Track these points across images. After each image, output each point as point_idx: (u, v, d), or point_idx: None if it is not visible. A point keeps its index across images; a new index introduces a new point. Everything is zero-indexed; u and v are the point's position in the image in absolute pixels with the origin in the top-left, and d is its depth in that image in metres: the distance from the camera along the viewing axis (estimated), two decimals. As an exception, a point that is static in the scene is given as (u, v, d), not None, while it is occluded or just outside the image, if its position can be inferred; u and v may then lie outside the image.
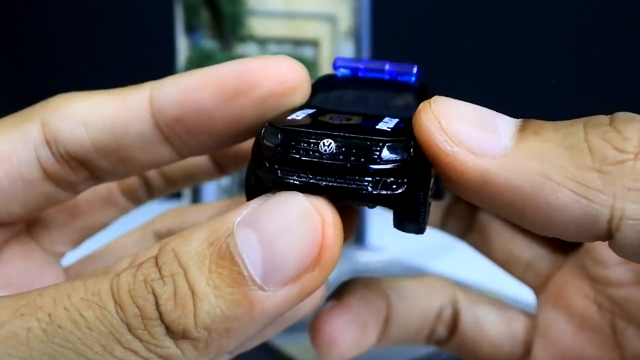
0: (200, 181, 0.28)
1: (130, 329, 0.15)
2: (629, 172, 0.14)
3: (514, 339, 0.26)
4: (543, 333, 0.25)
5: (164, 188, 0.27)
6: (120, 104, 0.20)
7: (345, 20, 0.64)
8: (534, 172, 0.15)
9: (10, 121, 0.20)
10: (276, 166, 0.17)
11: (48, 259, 0.25)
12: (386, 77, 0.21)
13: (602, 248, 0.23)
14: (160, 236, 0.28)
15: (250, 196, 0.18)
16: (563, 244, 0.25)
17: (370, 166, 0.17)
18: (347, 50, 0.65)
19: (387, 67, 0.21)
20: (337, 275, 0.69)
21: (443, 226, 0.28)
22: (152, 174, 0.27)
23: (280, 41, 0.63)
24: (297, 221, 0.16)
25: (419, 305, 0.26)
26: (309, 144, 0.17)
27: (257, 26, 0.61)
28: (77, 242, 0.26)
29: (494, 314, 0.26)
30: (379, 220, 0.62)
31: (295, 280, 0.16)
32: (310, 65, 0.63)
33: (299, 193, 0.16)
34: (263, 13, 0.61)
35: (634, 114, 0.16)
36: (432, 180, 0.18)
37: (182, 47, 0.59)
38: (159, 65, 0.64)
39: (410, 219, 0.18)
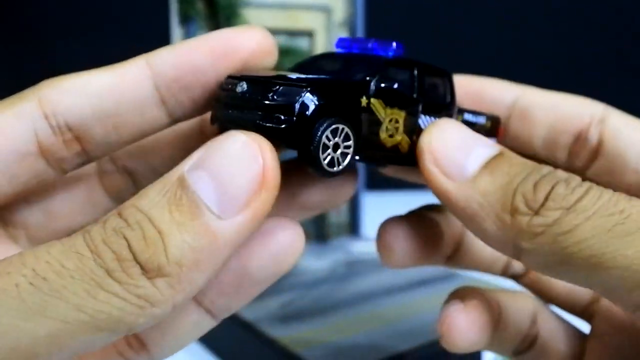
0: None
1: (109, 272, 0.16)
2: (526, 223, 0.20)
3: (573, 349, 0.30)
4: (597, 346, 0.29)
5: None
6: (119, 72, 0.22)
7: (340, 11, 0.65)
8: (476, 203, 0.21)
9: (4, 103, 0.22)
10: (217, 105, 0.22)
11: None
12: (373, 52, 0.26)
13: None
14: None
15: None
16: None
17: (264, 102, 0.20)
18: (341, 41, 0.65)
19: (370, 44, 0.26)
20: (332, 265, 0.69)
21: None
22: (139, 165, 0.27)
23: (275, 32, 0.63)
24: (239, 152, 0.18)
25: (520, 315, 0.29)
26: (232, 85, 0.22)
27: (252, 17, 0.61)
28: None
29: (561, 328, 0.31)
30: (373, 211, 0.63)
31: (247, 204, 0.18)
32: (305, 55, 0.63)
33: (238, 132, 0.19)
34: (258, 4, 0.61)
35: (567, 178, 0.20)
36: (351, 133, 0.22)
37: (177, 37, 0.59)
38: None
39: (304, 158, 0.21)
